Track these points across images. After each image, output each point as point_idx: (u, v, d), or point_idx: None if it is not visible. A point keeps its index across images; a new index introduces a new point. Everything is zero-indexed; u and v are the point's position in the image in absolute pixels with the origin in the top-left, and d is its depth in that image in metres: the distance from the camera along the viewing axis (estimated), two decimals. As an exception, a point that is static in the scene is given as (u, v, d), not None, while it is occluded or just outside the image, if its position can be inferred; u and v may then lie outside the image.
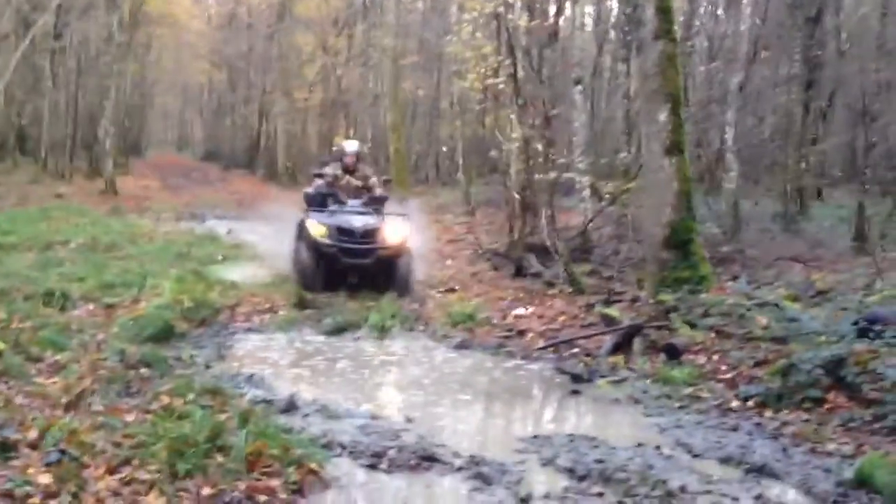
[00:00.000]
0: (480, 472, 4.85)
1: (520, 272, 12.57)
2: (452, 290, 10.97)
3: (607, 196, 14.51)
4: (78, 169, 27.10)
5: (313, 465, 4.61)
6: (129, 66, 30.60)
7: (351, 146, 11.79)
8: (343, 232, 10.25)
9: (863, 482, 4.85)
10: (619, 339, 8.17)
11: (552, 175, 12.90)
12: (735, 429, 6.01)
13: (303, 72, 34.25)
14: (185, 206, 22.40)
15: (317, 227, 10.31)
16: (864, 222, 15.94)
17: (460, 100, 24.08)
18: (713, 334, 8.15)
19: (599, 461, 5.13)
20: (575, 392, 6.97)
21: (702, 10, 24.46)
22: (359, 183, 11.22)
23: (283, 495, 4.28)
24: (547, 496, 4.64)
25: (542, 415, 6.81)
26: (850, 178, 24.25)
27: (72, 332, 7.34)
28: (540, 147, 13.17)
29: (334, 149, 18.63)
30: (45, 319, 7.61)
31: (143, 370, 6.39)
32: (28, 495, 3.78)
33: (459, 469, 4.93)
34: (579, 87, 16.99)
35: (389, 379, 7.23)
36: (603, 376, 7.36)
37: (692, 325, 8.32)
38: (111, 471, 4.20)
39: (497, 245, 14.49)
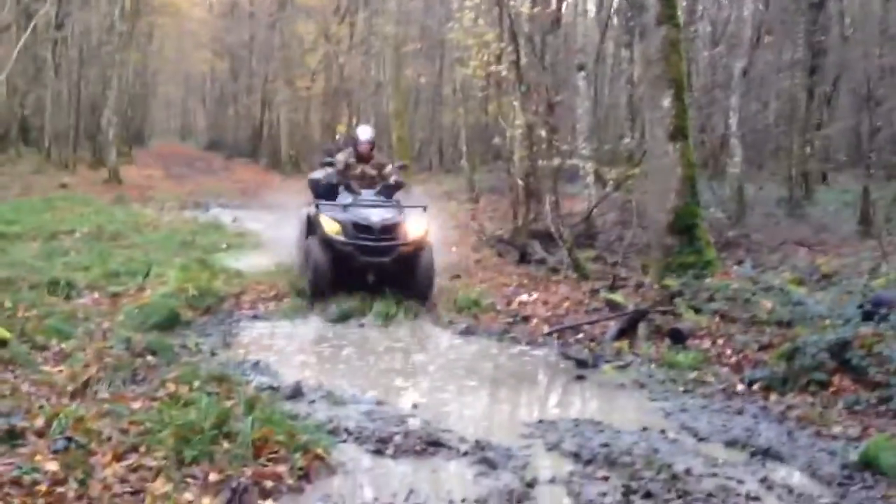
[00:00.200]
0: (486, 457, 4.86)
1: (524, 258, 12.57)
2: (457, 277, 10.96)
3: (611, 182, 14.46)
4: (81, 159, 27.09)
5: (319, 451, 4.63)
6: (130, 56, 30.58)
7: (365, 133, 10.61)
8: (360, 228, 9.24)
9: (868, 464, 4.86)
10: (624, 324, 8.17)
11: (556, 161, 12.88)
12: (740, 412, 6.02)
13: (305, 60, 34.21)
14: (188, 195, 22.40)
15: (330, 224, 9.29)
16: (869, 206, 15.94)
17: (463, 87, 23.99)
18: (718, 319, 8.16)
19: (605, 445, 5.14)
20: (580, 377, 6.98)
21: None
22: (374, 172, 10.27)
23: (289, 481, 4.30)
24: (552, 480, 4.65)
25: (548, 400, 6.82)
26: (854, 163, 24.23)
27: (77, 321, 7.36)
28: (543, 133, 13.15)
29: (337, 137, 18.62)
30: (51, 308, 7.63)
31: (149, 358, 6.40)
32: (36, 482, 3.80)
33: (465, 454, 4.95)
34: (582, 74, 16.96)
35: (395, 365, 7.23)
36: (608, 361, 7.37)
37: (697, 310, 8.32)
38: (118, 458, 4.22)
39: (501, 232, 14.48)
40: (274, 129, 36.26)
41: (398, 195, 10.13)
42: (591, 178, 15.28)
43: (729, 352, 7.40)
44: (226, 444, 4.46)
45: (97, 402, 5.08)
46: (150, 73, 43.82)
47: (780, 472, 4.92)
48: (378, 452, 4.92)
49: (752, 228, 15.10)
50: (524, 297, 9.89)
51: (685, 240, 9.70)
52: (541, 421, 5.72)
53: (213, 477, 4.14)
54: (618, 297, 9.21)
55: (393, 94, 25.40)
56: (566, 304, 9.57)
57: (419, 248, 9.39)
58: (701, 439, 5.45)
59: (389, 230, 9.32)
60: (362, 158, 10.32)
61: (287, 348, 7.66)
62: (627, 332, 8.09)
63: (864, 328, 6.82)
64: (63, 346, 6.44)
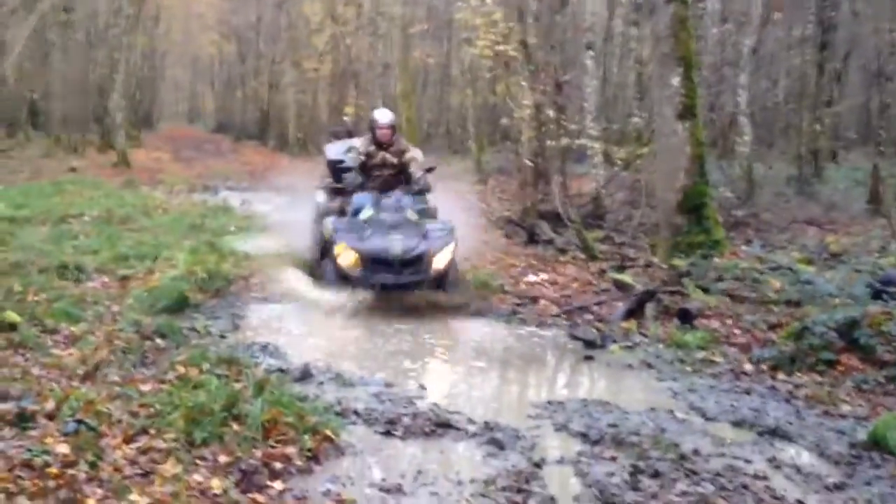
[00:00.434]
0: (494, 438, 4.88)
1: (532, 239, 12.55)
2: (465, 258, 10.94)
3: (620, 162, 14.46)
4: (90, 142, 27.10)
5: (328, 433, 4.65)
6: (138, 39, 30.55)
7: (384, 116, 9.45)
8: (379, 261, 8.22)
9: (876, 443, 4.87)
10: (633, 304, 8.16)
11: (564, 141, 12.86)
12: (748, 392, 6.02)
13: (312, 41, 34.08)
14: (197, 178, 22.41)
15: (346, 255, 8.30)
16: (879, 184, 15.87)
17: (471, 67, 23.93)
18: (727, 298, 8.15)
19: (612, 426, 5.15)
20: (588, 358, 6.98)
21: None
22: (395, 160, 9.26)
23: (298, 462, 4.32)
24: (560, 461, 4.67)
25: (556, 381, 6.83)
26: (864, 140, 24.13)
27: (87, 304, 7.38)
28: (551, 113, 13.11)
29: (344, 118, 18.59)
30: (61, 292, 7.66)
31: (159, 341, 6.43)
32: (46, 465, 3.83)
33: (474, 435, 4.96)
34: (591, 53, 16.87)
35: (403, 347, 7.24)
36: (616, 342, 7.36)
37: (705, 290, 8.32)
38: (128, 440, 4.24)
39: (509, 213, 14.46)
40: (282, 111, 36.24)
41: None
42: (599, 158, 15.22)
43: (737, 332, 7.40)
44: (235, 426, 4.48)
45: (107, 384, 5.11)
46: (158, 56, 43.78)
47: (787, 452, 4.93)
48: (387, 434, 4.94)
49: (761, 208, 15.06)
50: (532, 278, 9.89)
51: (694, 219, 9.70)
52: (549, 402, 5.73)
53: (222, 458, 4.17)
54: (626, 277, 9.20)
55: (400, 75, 25.36)
56: (574, 285, 9.58)
57: (444, 274, 8.54)
58: (709, 419, 5.45)
59: (412, 263, 8.30)
60: (382, 145, 9.29)
61: (295, 331, 7.67)
62: (635, 312, 8.07)
63: (873, 307, 6.83)
64: (73, 329, 6.46)
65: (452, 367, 6.75)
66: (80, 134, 26.77)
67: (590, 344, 7.29)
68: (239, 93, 46.35)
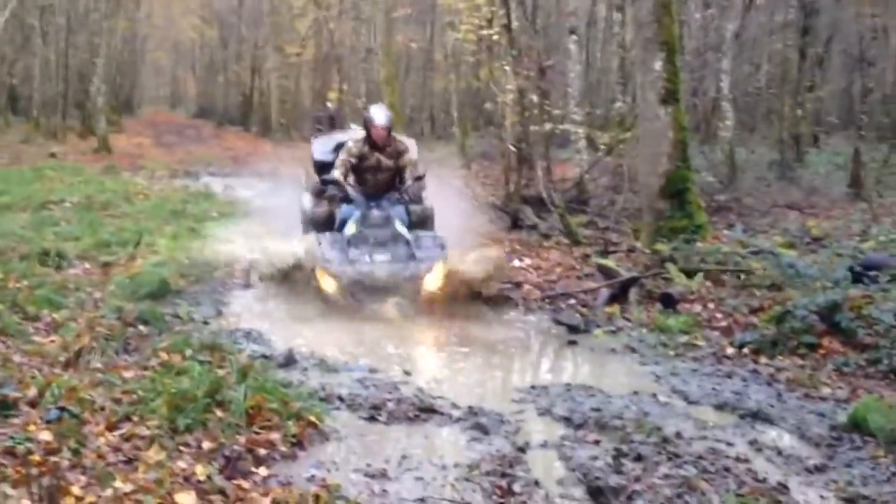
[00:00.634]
0: (478, 423, 4.89)
1: (516, 224, 12.57)
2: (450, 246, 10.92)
3: (603, 147, 14.46)
4: (70, 128, 26.92)
5: (312, 418, 4.65)
6: (118, 23, 30.24)
7: (381, 116, 8.43)
8: (365, 289, 7.66)
9: (857, 425, 4.90)
10: (616, 289, 8.19)
11: (547, 126, 12.84)
12: (730, 375, 6.06)
13: (294, 26, 33.98)
14: (179, 164, 22.28)
15: (328, 281, 7.69)
16: (860, 169, 15.95)
17: (454, 52, 23.88)
18: (709, 283, 8.19)
19: (596, 409, 5.17)
20: (571, 342, 7.01)
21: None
22: (391, 162, 8.46)
23: (282, 448, 4.32)
24: (544, 445, 4.69)
25: (540, 365, 6.86)
26: (846, 125, 24.25)
27: (69, 291, 7.34)
28: (535, 98, 13.09)
29: (328, 103, 18.44)
30: (42, 278, 7.60)
31: (141, 327, 6.41)
32: (29, 452, 3.81)
33: (458, 420, 4.97)
34: (574, 37, 16.84)
35: (387, 333, 7.23)
36: (599, 326, 7.39)
37: (688, 274, 8.34)
38: (111, 427, 4.23)
39: (493, 198, 14.45)
40: (264, 96, 36.09)
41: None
42: (582, 143, 15.24)
43: (719, 315, 7.44)
44: (219, 413, 4.47)
45: (89, 371, 5.08)
46: (139, 41, 43.43)
47: (769, 434, 4.96)
48: (371, 419, 4.94)
49: (743, 192, 15.13)
50: (516, 263, 9.89)
51: (676, 204, 9.73)
52: (533, 386, 5.75)
53: (206, 445, 4.16)
54: (609, 262, 9.22)
55: (383, 60, 25.20)
56: (558, 270, 9.59)
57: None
58: (691, 402, 5.49)
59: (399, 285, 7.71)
60: (377, 146, 8.42)
61: (279, 317, 7.66)
62: (619, 296, 8.11)
63: (854, 290, 6.88)
64: (55, 316, 6.42)
65: (437, 353, 6.76)
66: (60, 119, 26.57)
67: (573, 329, 7.32)
68: (221, 78, 46.04)
